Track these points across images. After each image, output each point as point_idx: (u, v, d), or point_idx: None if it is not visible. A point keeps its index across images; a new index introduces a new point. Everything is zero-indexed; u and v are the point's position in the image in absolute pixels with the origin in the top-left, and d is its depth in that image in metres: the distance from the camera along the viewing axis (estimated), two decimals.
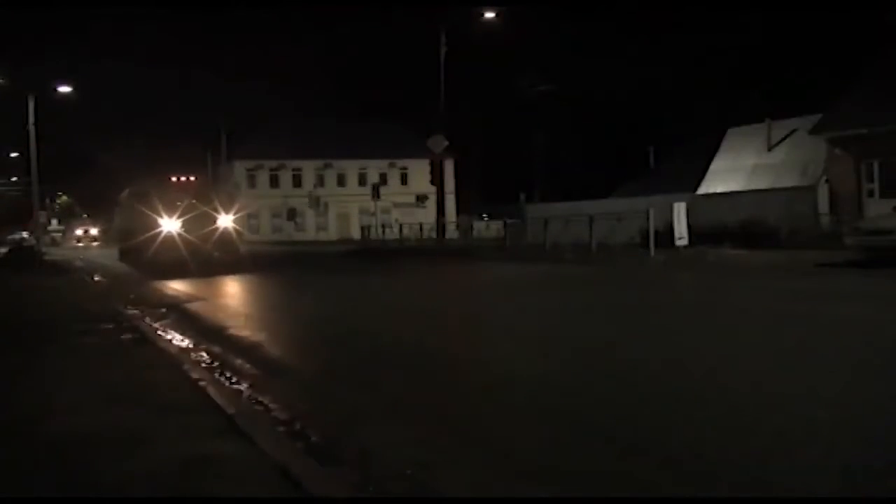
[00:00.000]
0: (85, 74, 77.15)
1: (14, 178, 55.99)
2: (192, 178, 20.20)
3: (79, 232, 61.23)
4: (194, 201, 18.20)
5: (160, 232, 17.14)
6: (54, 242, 54.98)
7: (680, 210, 17.89)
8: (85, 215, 71.21)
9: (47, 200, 59.99)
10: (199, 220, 17.59)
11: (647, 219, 17.96)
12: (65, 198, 77.30)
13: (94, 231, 60.25)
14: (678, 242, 17.51)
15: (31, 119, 33.94)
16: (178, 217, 17.52)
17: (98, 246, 47.91)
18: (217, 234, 17.88)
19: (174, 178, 19.61)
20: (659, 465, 2.99)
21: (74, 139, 55.21)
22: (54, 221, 66.53)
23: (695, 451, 3.13)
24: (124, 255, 20.99)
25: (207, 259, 17.13)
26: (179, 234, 17.13)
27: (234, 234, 18.70)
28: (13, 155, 48.00)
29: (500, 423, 3.79)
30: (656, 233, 17.68)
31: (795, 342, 5.67)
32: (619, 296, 10.22)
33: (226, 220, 18.30)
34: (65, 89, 34.79)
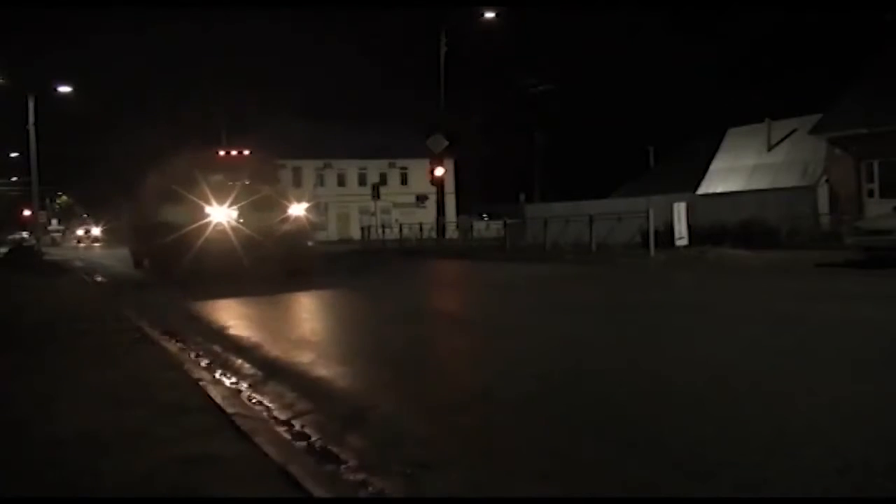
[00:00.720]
0: (84, 72, 77.07)
1: (14, 178, 55.99)
2: (244, 153, 14.87)
3: (80, 232, 61.05)
4: (248, 182, 13.66)
5: (207, 224, 12.54)
6: (54, 242, 54.99)
7: (680, 210, 17.92)
8: (85, 215, 71.16)
9: (47, 200, 59.96)
10: (262, 207, 13.09)
11: (647, 219, 17.98)
12: (65, 198, 77.31)
13: (95, 231, 60.00)
14: (678, 242, 17.53)
15: (31, 119, 33.99)
16: (232, 204, 12.84)
17: (101, 247, 47.77)
18: (288, 226, 13.25)
19: (222, 153, 14.72)
20: (658, 464, 2.99)
21: (74, 138, 55.02)
22: (54, 221, 66.50)
23: (695, 450, 3.13)
24: (144, 258, 16.18)
25: (274, 261, 12.92)
26: (234, 227, 12.65)
27: (310, 228, 14.15)
28: (13, 155, 48.02)
29: (504, 423, 3.79)
30: (656, 233, 17.71)
31: (795, 342, 5.67)
32: (622, 296, 10.22)
33: (298, 209, 13.59)
34: (65, 89, 34.83)
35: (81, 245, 52.00)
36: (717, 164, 30.18)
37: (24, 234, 51.31)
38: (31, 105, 33.86)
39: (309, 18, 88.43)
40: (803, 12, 46.10)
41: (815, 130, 23.32)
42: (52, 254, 31.22)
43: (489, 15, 29.39)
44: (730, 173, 29.16)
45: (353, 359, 5.79)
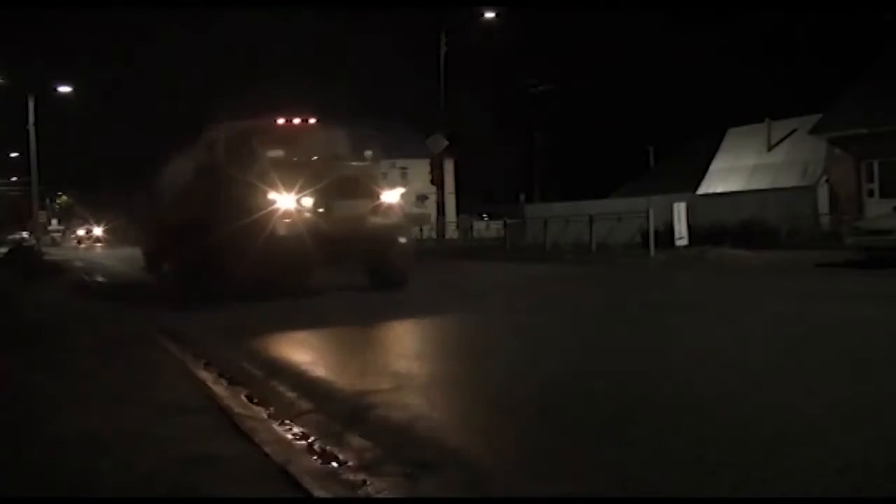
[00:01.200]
0: (81, 72, 77.04)
1: (14, 178, 55.93)
2: (310, 121, 11.44)
3: (80, 232, 60.59)
4: (321, 160, 10.55)
5: (273, 213, 9.27)
6: (54, 242, 54.91)
7: (680, 210, 17.93)
8: (87, 216, 70.69)
9: (47, 200, 59.83)
10: (345, 193, 9.80)
11: (647, 219, 17.99)
12: (65, 198, 77.20)
13: (97, 231, 59.29)
14: (678, 242, 17.55)
15: (31, 119, 34.00)
16: (303, 188, 9.45)
17: (103, 247, 47.54)
18: (380, 218, 10.08)
19: (281, 121, 11.12)
20: (657, 464, 2.99)
21: (74, 138, 54.91)
22: (54, 221, 66.31)
23: (695, 451, 3.13)
24: (165, 261, 13.54)
25: (359, 265, 10.54)
26: (306, 220, 9.43)
27: (406, 222, 11.20)
28: (13, 155, 48.01)
29: (504, 423, 3.79)
30: (656, 233, 17.73)
31: (795, 342, 5.67)
32: (621, 296, 10.22)
33: (392, 195, 10.44)
34: (65, 89, 34.85)
35: (82, 246, 51.82)
36: (717, 164, 30.17)
37: (24, 234, 51.22)
38: (31, 105, 33.86)
39: (308, 19, 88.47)
40: (804, 12, 46.11)
41: (815, 130, 23.32)
42: (53, 254, 31.18)
43: (489, 15, 29.42)
44: (730, 173, 29.15)
45: None
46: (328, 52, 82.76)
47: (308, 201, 9.49)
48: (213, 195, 10.19)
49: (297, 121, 11.26)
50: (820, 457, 2.98)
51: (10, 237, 48.22)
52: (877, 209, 18.71)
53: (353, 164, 10.76)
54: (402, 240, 10.59)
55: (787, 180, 25.99)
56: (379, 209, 10.10)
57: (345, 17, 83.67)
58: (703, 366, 4.90)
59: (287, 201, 9.35)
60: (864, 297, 8.75)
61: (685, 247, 17.43)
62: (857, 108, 21.45)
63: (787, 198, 23.34)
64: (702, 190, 28.62)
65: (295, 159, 10.29)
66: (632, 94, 68.80)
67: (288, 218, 9.30)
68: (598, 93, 68.66)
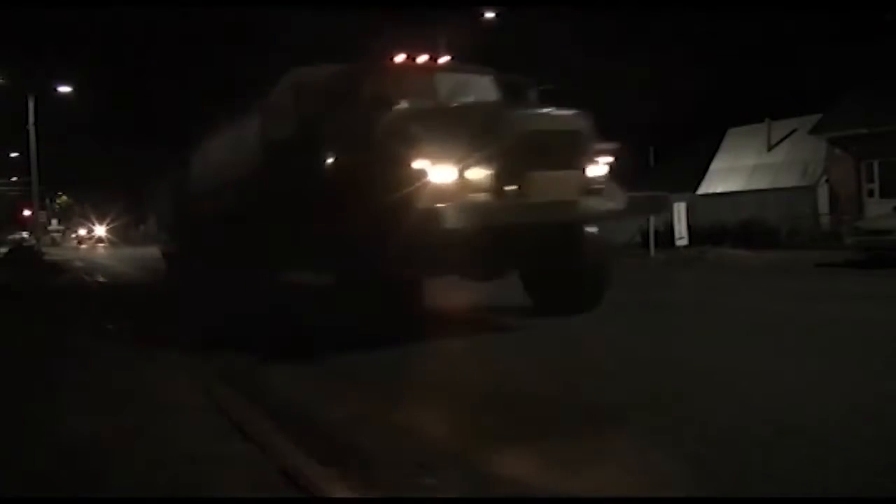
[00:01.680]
0: (81, 71, 76.81)
1: (14, 178, 55.86)
2: (442, 59, 8.68)
3: (81, 232, 60.08)
4: (480, 109, 6.93)
5: (420, 192, 5.47)
6: (54, 242, 54.84)
7: (680, 210, 17.93)
8: (88, 215, 70.50)
9: (47, 200, 59.73)
10: (543, 161, 5.97)
11: (647, 219, 17.99)
12: (65, 198, 77.14)
13: (99, 231, 58.49)
14: (678, 242, 17.55)
15: (31, 119, 33.97)
16: (470, 154, 5.69)
17: (105, 248, 47.24)
18: (594, 201, 6.32)
19: (400, 58, 7.74)
20: (656, 464, 2.99)
21: (76, 134, 54.57)
22: (54, 221, 66.21)
23: (695, 450, 3.13)
24: (191, 265, 11.19)
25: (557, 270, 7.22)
26: (484, 203, 5.70)
27: (632, 208, 7.09)
28: (13, 155, 47.95)
29: (502, 422, 3.79)
30: (656, 233, 17.74)
31: (795, 342, 5.67)
32: (620, 295, 10.18)
33: (600, 167, 6.55)
34: (65, 89, 34.80)
35: (83, 246, 51.51)
36: (717, 164, 30.17)
37: (24, 234, 51.17)
38: (31, 105, 33.83)
39: (307, 17, 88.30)
40: (803, 12, 46.10)
41: (815, 130, 23.33)
42: (53, 254, 31.17)
43: (489, 15, 29.40)
44: (730, 173, 29.15)
45: None
46: (327, 50, 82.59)
47: (480, 174, 5.82)
48: (298, 168, 6.84)
49: (423, 58, 7.83)
50: (820, 457, 2.98)
51: (10, 237, 48.21)
52: (877, 209, 18.72)
53: (551, 113, 6.76)
54: (594, 230, 7.46)
55: (787, 180, 25.99)
56: (586, 186, 6.41)
57: (344, 16, 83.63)
58: (701, 365, 4.90)
59: (444, 174, 5.71)
60: (865, 297, 8.75)
61: (685, 247, 17.44)
62: (857, 108, 21.46)
63: (787, 198, 23.36)
64: (702, 190, 28.63)
65: (449, 107, 6.87)
66: (631, 93, 68.67)
67: (447, 200, 5.52)
68: (599, 92, 68.57)
